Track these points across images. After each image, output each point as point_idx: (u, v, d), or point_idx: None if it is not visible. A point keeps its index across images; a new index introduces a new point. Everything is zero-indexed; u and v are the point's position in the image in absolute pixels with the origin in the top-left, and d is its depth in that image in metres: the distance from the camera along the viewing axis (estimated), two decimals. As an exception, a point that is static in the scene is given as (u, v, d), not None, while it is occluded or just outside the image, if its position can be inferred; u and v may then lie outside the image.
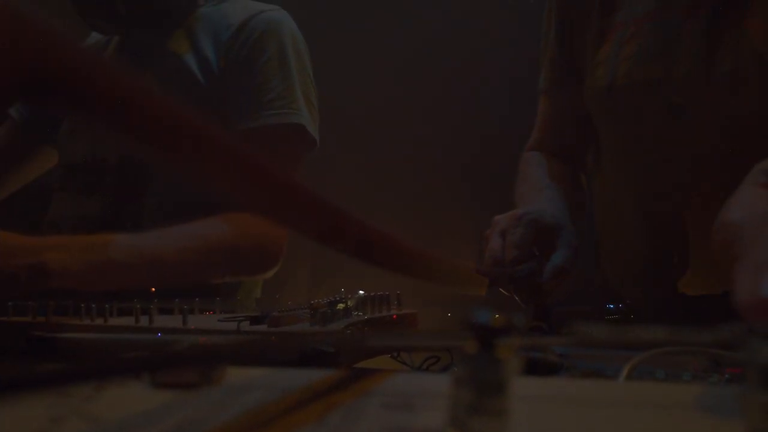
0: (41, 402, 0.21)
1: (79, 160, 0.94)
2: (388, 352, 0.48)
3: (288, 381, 0.24)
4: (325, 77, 1.04)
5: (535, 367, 0.34)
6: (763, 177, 0.32)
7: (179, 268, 0.84)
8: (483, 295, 0.60)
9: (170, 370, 0.24)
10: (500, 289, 0.62)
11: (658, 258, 0.72)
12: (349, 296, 0.51)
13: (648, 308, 0.74)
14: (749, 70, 0.63)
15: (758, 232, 0.24)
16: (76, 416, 0.20)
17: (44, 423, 0.20)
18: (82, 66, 0.14)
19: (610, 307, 0.78)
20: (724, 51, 0.65)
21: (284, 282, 1.00)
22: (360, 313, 0.51)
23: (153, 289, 0.73)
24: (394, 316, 0.54)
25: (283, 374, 0.26)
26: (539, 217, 0.63)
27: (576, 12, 0.79)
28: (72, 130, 0.98)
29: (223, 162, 0.18)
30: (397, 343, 0.42)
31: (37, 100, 0.15)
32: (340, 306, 0.49)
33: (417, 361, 0.50)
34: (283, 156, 0.93)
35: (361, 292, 0.53)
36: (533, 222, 0.62)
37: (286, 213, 0.23)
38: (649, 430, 0.19)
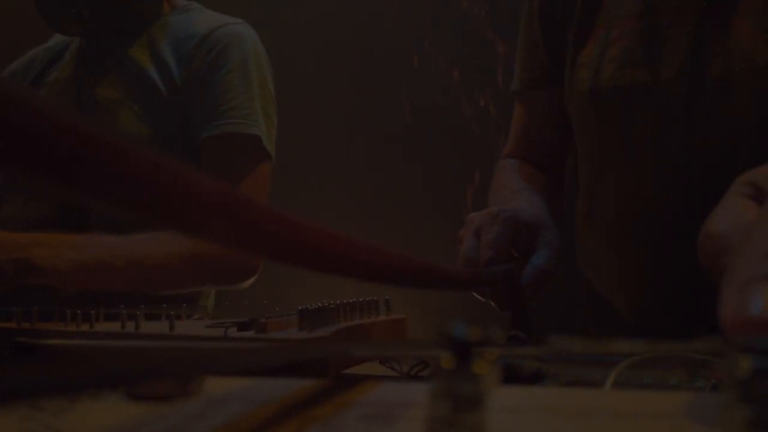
0: (11, 416, 0.20)
1: None
2: (375, 359, 0.48)
3: (269, 392, 0.24)
4: (315, 75, 1.03)
5: (517, 376, 0.34)
6: (747, 188, 0.32)
7: (162, 273, 0.85)
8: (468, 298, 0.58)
9: (149, 381, 0.23)
10: (474, 294, 0.58)
11: (644, 263, 0.71)
12: (337, 302, 0.50)
13: (636, 310, 0.73)
14: (739, 74, 0.62)
15: (743, 245, 0.24)
16: (48, 431, 0.20)
17: (15, 438, 0.19)
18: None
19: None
20: (714, 54, 0.63)
21: (275, 286, 1.00)
22: (348, 318, 0.51)
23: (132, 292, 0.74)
24: (381, 320, 0.54)
25: (265, 384, 0.25)
26: (516, 215, 0.59)
27: (556, 10, 0.76)
28: None
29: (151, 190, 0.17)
30: (384, 351, 0.42)
31: None
32: (328, 311, 0.49)
33: (406, 366, 0.49)
34: (238, 166, 0.96)
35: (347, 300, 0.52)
36: (510, 220, 0.58)
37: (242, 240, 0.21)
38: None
